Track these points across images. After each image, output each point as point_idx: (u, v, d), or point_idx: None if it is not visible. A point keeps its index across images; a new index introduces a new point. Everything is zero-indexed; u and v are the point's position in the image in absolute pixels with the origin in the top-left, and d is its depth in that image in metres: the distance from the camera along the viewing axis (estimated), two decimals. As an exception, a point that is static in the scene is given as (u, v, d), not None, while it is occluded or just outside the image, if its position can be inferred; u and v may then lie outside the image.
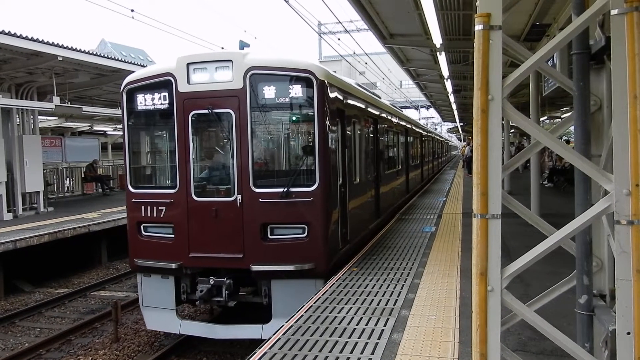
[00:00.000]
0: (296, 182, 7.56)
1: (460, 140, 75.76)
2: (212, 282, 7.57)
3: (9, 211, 15.05)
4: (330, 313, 6.07)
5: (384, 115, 13.67)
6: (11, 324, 10.18)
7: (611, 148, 2.88)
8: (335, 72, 8.94)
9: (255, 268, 7.49)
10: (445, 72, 17.31)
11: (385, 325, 5.60)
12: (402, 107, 35.82)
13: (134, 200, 8.30)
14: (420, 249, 9.57)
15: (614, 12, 2.74)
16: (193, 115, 7.83)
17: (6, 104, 14.69)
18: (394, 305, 6.28)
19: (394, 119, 15.55)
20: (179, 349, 8.50)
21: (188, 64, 7.77)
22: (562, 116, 30.91)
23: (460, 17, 11.94)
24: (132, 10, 14.91)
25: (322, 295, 6.79)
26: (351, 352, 4.93)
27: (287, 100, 7.59)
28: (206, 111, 7.75)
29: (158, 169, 9.07)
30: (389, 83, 36.96)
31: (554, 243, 2.93)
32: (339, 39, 22.56)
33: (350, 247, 9.05)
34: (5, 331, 9.85)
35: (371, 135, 11.89)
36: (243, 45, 15.77)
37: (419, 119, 43.64)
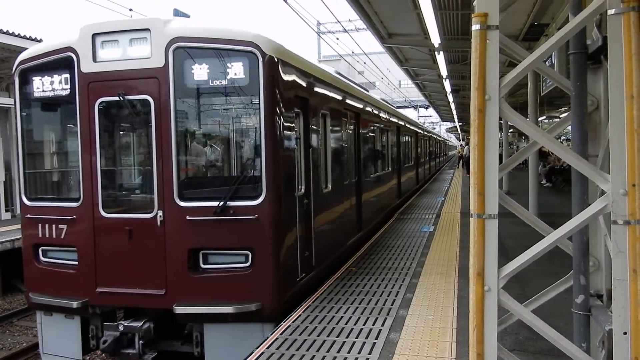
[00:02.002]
0: (237, 193, 5.80)
1: (459, 140, 75.80)
2: (122, 329, 5.79)
3: (7, 210, 15.03)
4: (327, 312, 6.07)
5: (368, 109, 11.85)
6: (9, 324, 10.18)
7: (608, 148, 2.88)
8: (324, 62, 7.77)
9: (180, 310, 5.70)
10: (443, 71, 17.32)
11: (383, 325, 5.60)
12: (400, 107, 35.77)
13: (29, 216, 6.45)
14: (419, 248, 9.58)
15: (611, 12, 2.74)
16: (100, 103, 6.04)
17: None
18: (392, 305, 6.28)
19: (382, 115, 13.71)
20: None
21: (94, 35, 5.97)
22: (561, 116, 30.94)
23: (458, 17, 11.94)
24: (131, 10, 14.89)
25: (320, 294, 6.78)
26: (349, 352, 4.92)
27: (224, 83, 5.78)
28: (117, 98, 5.95)
29: (58, 175, 7.11)
30: (387, 82, 36.96)
31: (551, 243, 2.93)
32: (337, 39, 22.56)
33: (318, 273, 7.27)
34: (3, 330, 9.85)
35: (350, 132, 10.11)
36: (179, 13, 10.39)
37: (417, 118, 43.44)
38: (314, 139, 7.37)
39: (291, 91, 6.42)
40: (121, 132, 6.70)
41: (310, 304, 6.39)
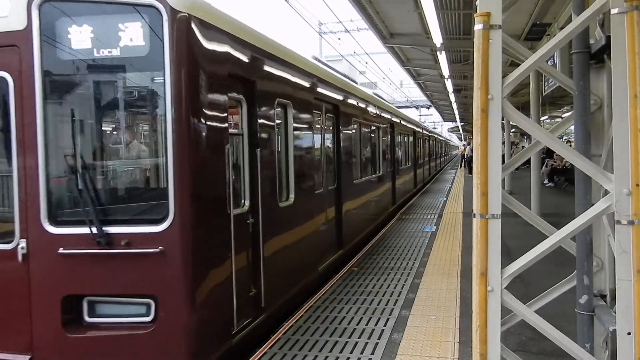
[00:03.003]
0: (133, 214, 4.21)
1: (461, 140, 75.76)
2: None
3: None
4: (330, 313, 6.06)
5: (352, 102, 9.78)
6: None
7: (611, 147, 2.87)
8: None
9: None
10: (445, 71, 17.33)
11: (385, 325, 5.59)
12: (402, 107, 35.74)
13: None
14: (421, 248, 9.56)
15: (614, 11, 2.73)
16: None
17: None
18: (394, 305, 6.27)
19: (371, 109, 11.55)
20: None
21: None
22: (563, 115, 30.91)
23: (460, 17, 11.94)
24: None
25: (322, 295, 6.77)
26: (351, 352, 4.92)
27: (116, 53, 4.03)
28: None
29: None
30: (389, 82, 36.93)
31: (554, 243, 2.92)
32: (339, 39, 22.55)
33: (271, 315, 5.58)
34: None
35: (327, 129, 8.40)
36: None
37: (419, 118, 43.29)
38: (266, 136, 5.56)
39: (222, 68, 4.59)
40: None
41: (312, 304, 6.38)
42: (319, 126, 7.96)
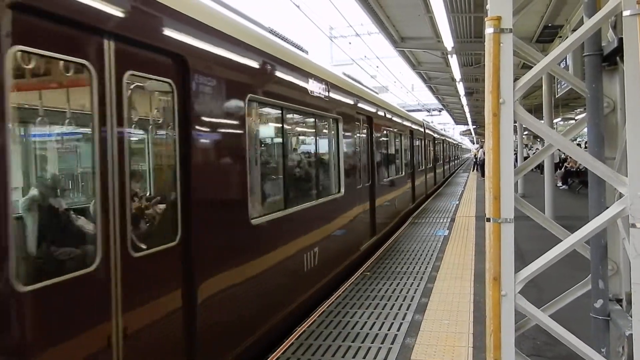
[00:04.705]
0: None
1: (473, 143, 75.34)
2: None
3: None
4: (343, 317, 6.05)
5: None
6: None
7: (625, 150, 2.84)
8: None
9: None
10: (456, 74, 17.29)
11: (398, 330, 5.57)
12: (412, 110, 35.60)
13: None
14: (434, 253, 9.52)
15: (626, 13, 2.72)
16: None
17: None
18: (407, 309, 6.25)
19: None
20: None
21: None
22: (576, 117, 30.64)
23: (471, 20, 11.92)
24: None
25: (335, 299, 6.77)
26: (364, 357, 4.90)
27: None
28: None
29: None
30: (400, 86, 36.87)
31: (569, 247, 2.90)
32: (349, 43, 22.58)
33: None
34: None
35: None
36: None
37: (431, 121, 42.93)
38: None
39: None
40: None
41: (325, 309, 6.38)
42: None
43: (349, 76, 10.17)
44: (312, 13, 28.60)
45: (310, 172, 7.57)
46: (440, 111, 44.98)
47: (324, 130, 8.02)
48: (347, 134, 8.44)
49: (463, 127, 65.33)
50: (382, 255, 9.46)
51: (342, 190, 8.10)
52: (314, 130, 7.72)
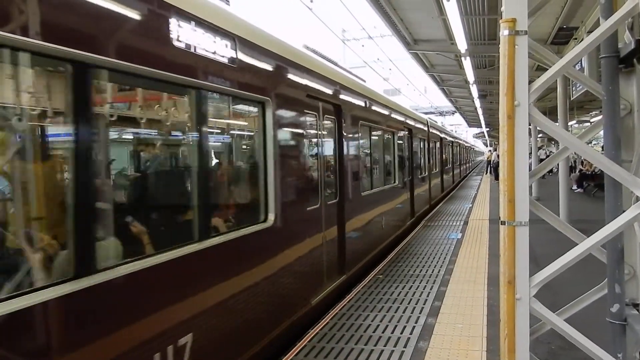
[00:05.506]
0: None
1: (486, 146, 74.86)
2: None
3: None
4: (355, 320, 6.05)
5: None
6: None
7: (642, 153, 2.81)
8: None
9: None
10: (470, 77, 17.21)
11: (411, 334, 5.55)
12: (426, 113, 35.47)
13: None
14: (447, 256, 9.48)
15: (643, 14, 2.70)
16: None
17: None
18: (420, 312, 6.22)
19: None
20: None
21: None
22: (592, 120, 30.32)
23: (485, 22, 11.86)
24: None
25: (347, 302, 6.77)
26: (377, 360, 4.90)
27: None
28: None
29: None
30: (413, 88, 36.79)
31: (584, 250, 2.87)
32: (362, 45, 22.59)
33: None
34: None
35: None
36: None
37: (442, 124, 42.51)
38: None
39: None
40: None
41: (337, 312, 6.38)
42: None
43: (314, 51, 7.81)
44: (324, 16, 28.62)
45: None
46: (453, 114, 44.82)
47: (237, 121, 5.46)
48: (285, 127, 5.76)
49: (476, 130, 64.93)
50: (394, 258, 9.44)
51: (271, 216, 5.22)
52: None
